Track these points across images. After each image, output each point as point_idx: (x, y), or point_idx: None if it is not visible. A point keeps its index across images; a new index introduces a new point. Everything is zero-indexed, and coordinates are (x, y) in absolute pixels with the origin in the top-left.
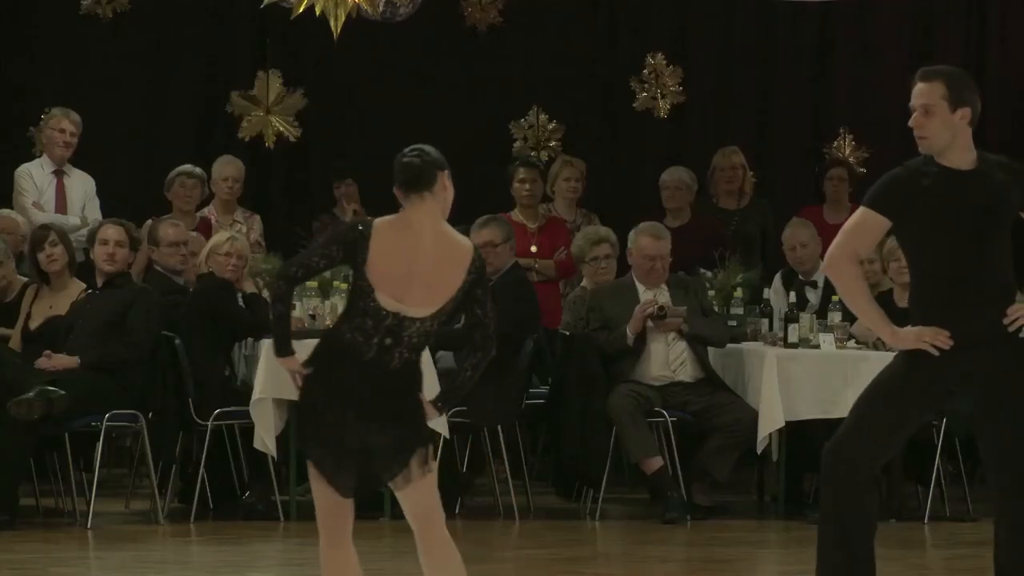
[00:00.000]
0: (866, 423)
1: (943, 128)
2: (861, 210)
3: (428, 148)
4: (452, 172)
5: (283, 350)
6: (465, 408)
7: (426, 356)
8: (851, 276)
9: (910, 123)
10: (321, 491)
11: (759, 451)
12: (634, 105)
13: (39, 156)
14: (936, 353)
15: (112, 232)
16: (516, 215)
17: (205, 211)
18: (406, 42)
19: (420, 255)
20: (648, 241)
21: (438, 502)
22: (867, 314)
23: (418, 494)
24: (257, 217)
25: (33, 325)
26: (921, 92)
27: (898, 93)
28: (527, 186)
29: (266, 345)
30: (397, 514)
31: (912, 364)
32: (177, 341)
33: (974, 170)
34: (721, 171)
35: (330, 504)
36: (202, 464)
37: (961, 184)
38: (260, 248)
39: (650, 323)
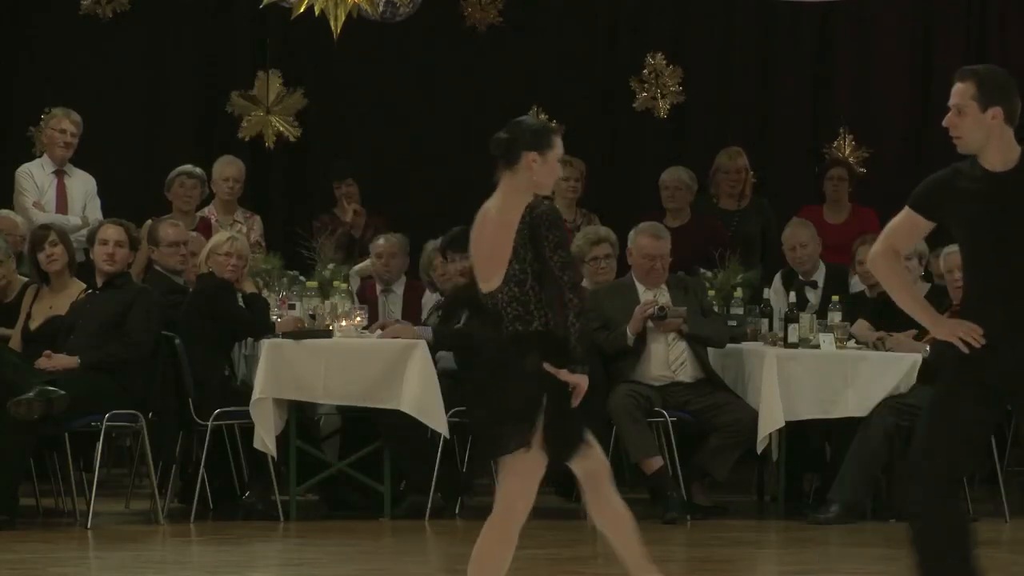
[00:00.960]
0: (934, 445)
1: (975, 128)
2: (904, 209)
3: (528, 123)
4: (451, 172)
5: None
6: (465, 408)
7: (426, 357)
8: (891, 269)
9: (944, 123)
10: None
11: (759, 451)
12: (634, 105)
13: (39, 156)
14: (965, 349)
15: (112, 232)
16: None
17: (205, 211)
18: (406, 42)
19: (482, 232)
20: (648, 241)
21: (603, 465)
22: (908, 303)
23: (588, 459)
24: (257, 217)
25: (33, 325)
26: (955, 92)
27: (898, 93)
28: None
29: (266, 345)
30: (397, 514)
31: (956, 371)
32: (177, 341)
33: (1010, 171)
34: (725, 173)
35: None
36: (202, 464)
37: (996, 185)
38: (260, 248)
39: (650, 323)
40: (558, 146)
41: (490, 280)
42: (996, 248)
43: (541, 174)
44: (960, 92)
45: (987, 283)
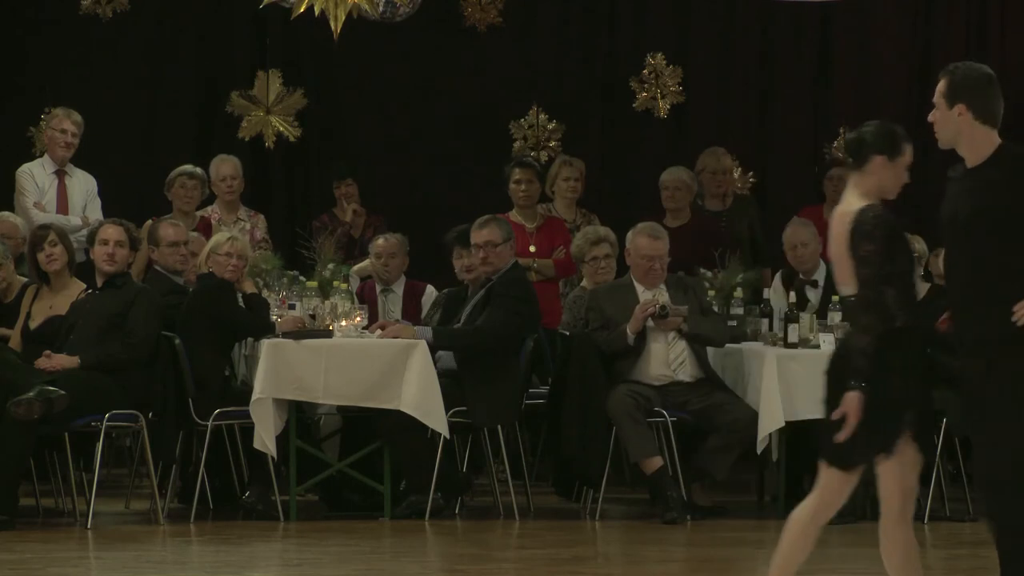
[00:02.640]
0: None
1: (945, 124)
2: None
3: (880, 126)
4: (451, 172)
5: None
6: (465, 408)
7: (426, 357)
8: None
9: (929, 118)
10: None
11: (759, 451)
12: (634, 105)
13: (39, 156)
14: None
15: (112, 232)
16: (514, 215)
17: (207, 210)
18: (406, 42)
19: (833, 234)
20: (646, 241)
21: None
22: None
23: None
24: (261, 216)
25: (33, 325)
26: (936, 89)
27: (898, 94)
28: (523, 187)
29: (266, 345)
30: (397, 514)
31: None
32: (177, 341)
33: (976, 168)
34: (712, 173)
35: None
36: (202, 464)
37: (962, 183)
38: (268, 244)
39: (650, 322)
40: (908, 153)
41: (848, 282)
42: (963, 248)
43: (887, 178)
44: (937, 89)
45: (954, 283)
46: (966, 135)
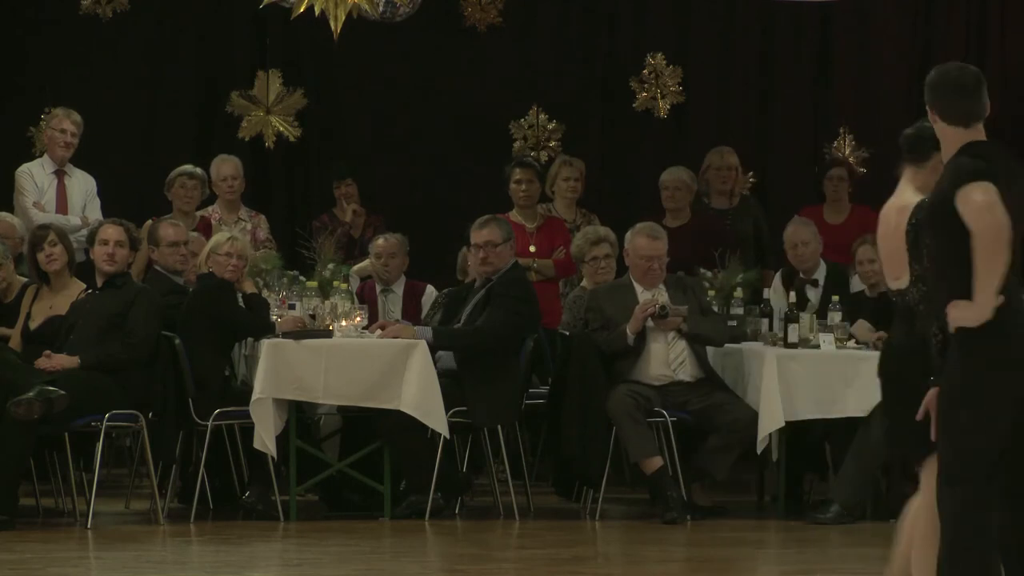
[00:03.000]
0: None
1: (935, 128)
2: None
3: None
4: (451, 172)
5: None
6: (465, 408)
7: (426, 357)
8: None
9: None
10: None
11: (759, 451)
12: (634, 105)
13: (39, 156)
14: None
15: (112, 232)
16: (514, 215)
17: (208, 210)
18: (406, 42)
19: (884, 229)
20: (644, 242)
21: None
22: None
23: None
24: (263, 216)
25: (33, 325)
26: None
27: (898, 94)
28: (523, 187)
29: (266, 345)
30: (397, 514)
31: None
32: (177, 341)
33: (945, 166)
34: (716, 170)
35: None
36: (202, 464)
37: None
38: (272, 244)
39: (650, 322)
40: None
41: (899, 277)
42: (929, 243)
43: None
44: None
45: (928, 282)
46: (941, 136)
